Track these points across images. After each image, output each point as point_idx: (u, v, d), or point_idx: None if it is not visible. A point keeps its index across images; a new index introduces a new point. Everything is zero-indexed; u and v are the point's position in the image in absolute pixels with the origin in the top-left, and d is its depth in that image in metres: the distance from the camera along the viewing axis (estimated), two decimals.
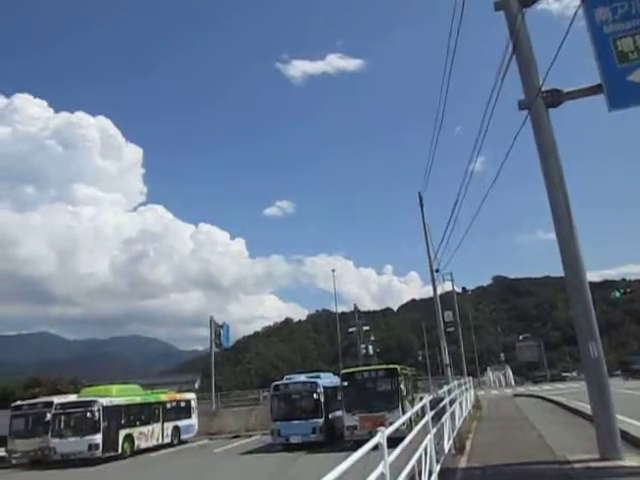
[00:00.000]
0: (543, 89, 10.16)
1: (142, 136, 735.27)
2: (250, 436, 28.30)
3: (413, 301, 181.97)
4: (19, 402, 26.36)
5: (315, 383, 21.46)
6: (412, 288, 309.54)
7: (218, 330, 36.79)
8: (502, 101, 10.94)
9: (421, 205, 29.35)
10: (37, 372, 77.14)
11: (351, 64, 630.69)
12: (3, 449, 25.38)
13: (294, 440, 20.54)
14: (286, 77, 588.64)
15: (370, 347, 51.92)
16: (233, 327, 41.94)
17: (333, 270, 51.05)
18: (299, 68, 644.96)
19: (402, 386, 19.57)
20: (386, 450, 4.74)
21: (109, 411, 22.64)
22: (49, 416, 23.30)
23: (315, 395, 20.94)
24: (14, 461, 24.55)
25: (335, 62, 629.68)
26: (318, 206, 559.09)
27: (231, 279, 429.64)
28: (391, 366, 20.66)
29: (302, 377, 23.33)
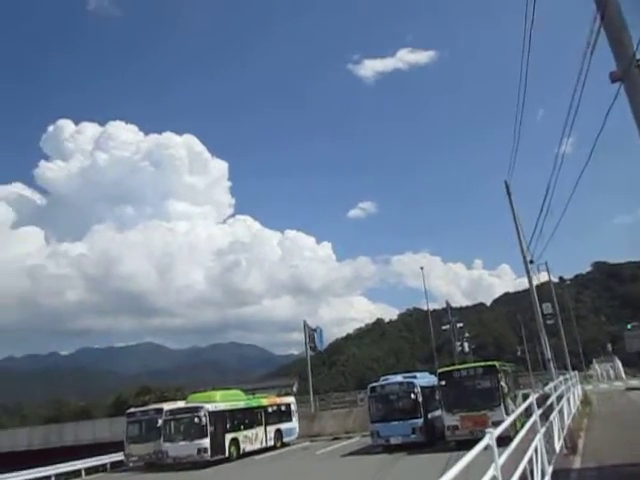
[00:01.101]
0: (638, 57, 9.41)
1: (226, 149, 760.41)
2: (350, 438, 28.46)
3: (506, 294, 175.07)
4: (132, 409, 28.16)
5: (412, 383, 21.20)
6: (504, 281, 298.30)
7: (312, 334, 37.32)
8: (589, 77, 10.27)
9: (508, 194, 28.17)
10: (145, 380, 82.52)
11: (423, 56, 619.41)
12: (121, 453, 27.24)
13: (394, 441, 20.40)
14: (358, 77, 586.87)
15: (465, 344, 50.52)
16: (325, 330, 42.36)
17: (422, 268, 50.10)
18: (370, 67, 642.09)
19: (503, 383, 18.87)
20: (496, 452, 4.60)
21: (215, 416, 23.51)
22: (160, 422, 24.55)
23: (413, 395, 20.66)
24: (131, 464, 26.27)
25: (406, 57, 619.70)
26: (401, 205, 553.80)
27: (320, 283, 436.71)
28: (490, 363, 20.02)
29: (398, 377, 23.10)
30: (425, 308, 58.29)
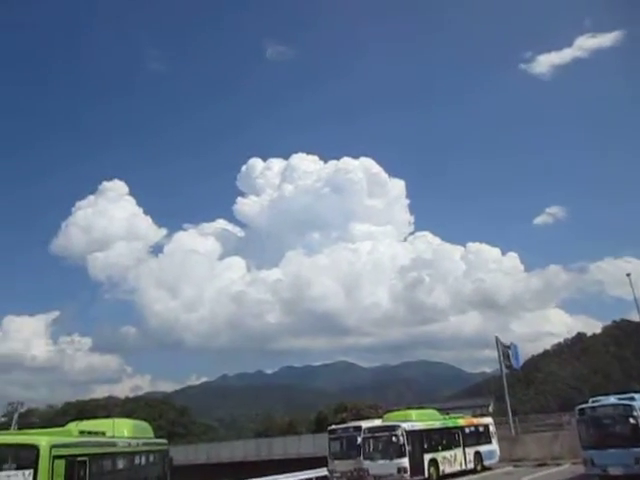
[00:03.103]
0: None
1: (402, 168, 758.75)
2: (558, 465, 26.29)
3: None
4: (333, 426, 29.49)
5: (630, 406, 18.85)
6: None
7: (506, 351, 35.44)
8: None
9: None
10: (341, 397, 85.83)
11: (606, 40, 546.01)
12: (324, 468, 28.61)
13: (613, 472, 18.33)
14: (533, 75, 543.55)
15: None
16: (519, 346, 39.86)
17: (628, 274, 44.59)
18: (545, 63, 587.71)
19: None
20: None
21: (412, 435, 23.50)
22: (359, 439, 25.07)
23: (632, 420, 18.35)
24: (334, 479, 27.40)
25: (586, 44, 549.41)
26: (594, 206, 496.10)
27: (508, 296, 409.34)
28: None
29: (611, 399, 20.78)
30: (636, 319, 51.51)
